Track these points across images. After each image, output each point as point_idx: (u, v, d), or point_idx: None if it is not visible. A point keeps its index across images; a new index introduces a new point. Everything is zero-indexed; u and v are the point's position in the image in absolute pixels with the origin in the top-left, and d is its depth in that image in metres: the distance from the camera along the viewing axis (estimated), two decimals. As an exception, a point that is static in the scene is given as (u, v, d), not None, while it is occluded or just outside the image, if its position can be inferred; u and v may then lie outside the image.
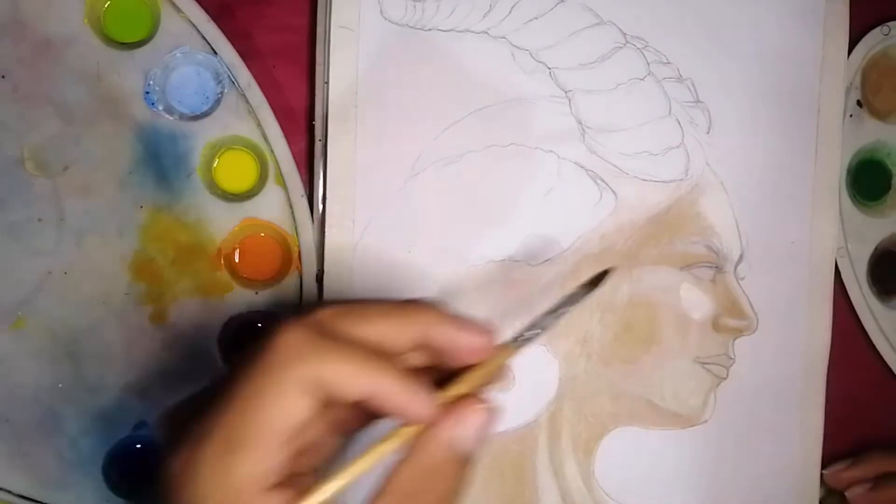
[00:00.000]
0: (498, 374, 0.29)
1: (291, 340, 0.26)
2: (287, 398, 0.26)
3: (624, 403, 0.44)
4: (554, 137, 0.42)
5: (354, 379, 0.26)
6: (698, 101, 0.44)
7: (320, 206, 0.41)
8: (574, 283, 0.37)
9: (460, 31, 0.42)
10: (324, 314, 0.28)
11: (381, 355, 0.27)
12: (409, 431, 0.27)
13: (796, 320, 0.45)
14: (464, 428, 0.27)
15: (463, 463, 0.27)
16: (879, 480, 0.46)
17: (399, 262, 0.41)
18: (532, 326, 0.30)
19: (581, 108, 0.43)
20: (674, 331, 0.44)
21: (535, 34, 0.42)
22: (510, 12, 0.42)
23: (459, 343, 0.28)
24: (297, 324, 0.27)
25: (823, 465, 0.46)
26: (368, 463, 0.27)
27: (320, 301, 0.28)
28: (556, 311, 0.31)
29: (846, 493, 0.46)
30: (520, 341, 0.30)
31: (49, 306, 0.40)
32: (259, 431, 0.25)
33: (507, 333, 0.30)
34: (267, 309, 0.42)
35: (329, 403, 0.26)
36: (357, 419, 0.29)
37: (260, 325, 0.41)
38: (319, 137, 0.41)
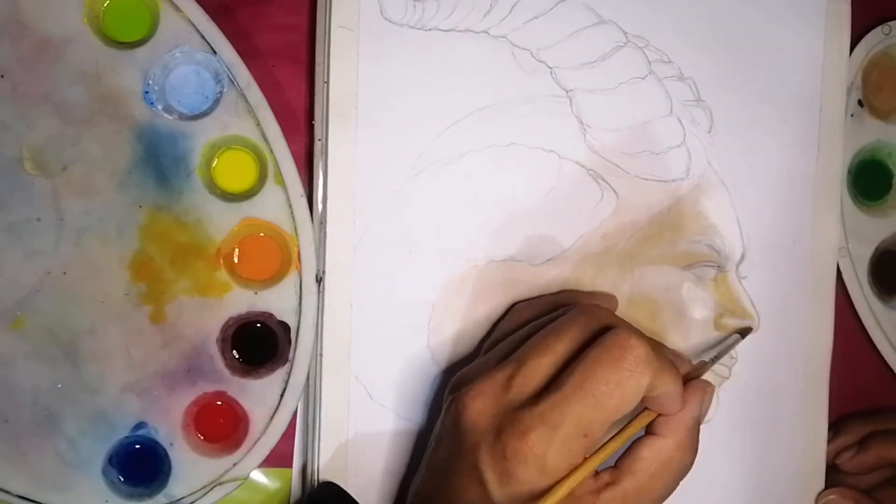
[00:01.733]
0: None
1: (642, 354, 0.33)
2: (631, 400, 0.33)
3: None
4: (555, 137, 0.42)
5: (665, 387, 0.34)
6: (700, 100, 0.44)
7: (320, 206, 0.41)
8: (576, 287, 0.42)
9: (460, 31, 0.42)
10: (635, 328, 0.35)
11: (676, 369, 0.35)
12: (652, 414, 0.35)
13: (798, 319, 0.45)
14: (704, 405, 0.36)
15: (698, 436, 0.36)
16: (864, 441, 0.46)
17: (399, 262, 0.41)
18: (702, 362, 0.40)
19: (582, 107, 0.43)
20: (676, 330, 0.44)
21: (536, 34, 0.42)
22: (510, 12, 0.42)
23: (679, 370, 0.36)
24: (639, 337, 0.34)
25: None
26: (627, 436, 0.35)
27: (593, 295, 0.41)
28: (718, 355, 0.41)
29: (836, 462, 0.46)
30: (710, 364, 0.40)
31: (48, 306, 0.40)
32: (605, 423, 0.34)
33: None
34: (266, 309, 0.41)
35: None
36: None
37: (259, 325, 0.41)
38: (319, 137, 0.41)
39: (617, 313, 0.43)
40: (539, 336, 0.35)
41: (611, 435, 0.35)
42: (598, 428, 0.33)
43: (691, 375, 0.38)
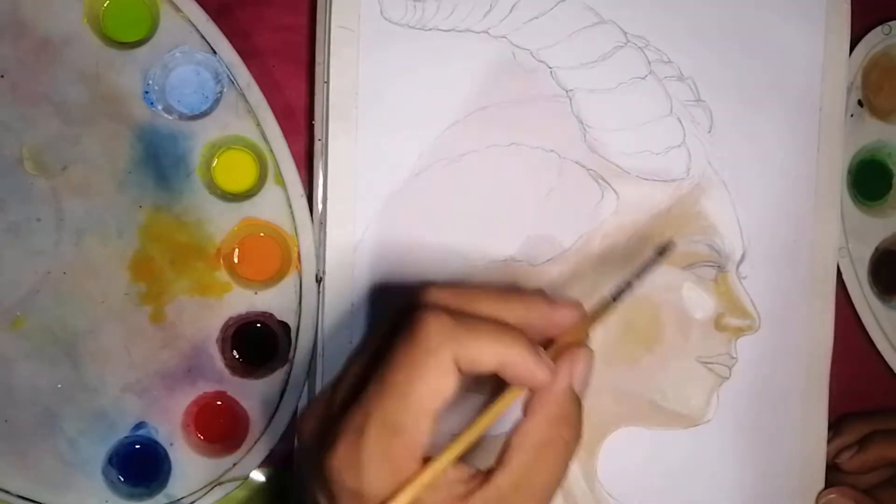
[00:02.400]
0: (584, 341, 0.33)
1: (436, 326, 0.29)
2: (440, 380, 0.28)
3: (626, 403, 0.43)
4: (555, 137, 0.42)
5: (490, 355, 0.29)
6: (700, 100, 0.44)
7: (320, 206, 0.41)
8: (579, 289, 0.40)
9: (461, 31, 0.42)
10: (444, 296, 0.31)
11: (510, 329, 0.30)
12: (517, 391, 0.30)
13: (799, 319, 0.45)
14: (579, 372, 0.31)
15: (580, 406, 0.31)
16: (864, 441, 0.46)
17: (400, 262, 0.41)
18: (615, 294, 0.34)
19: (582, 107, 0.42)
20: (676, 330, 0.44)
21: (536, 33, 0.42)
22: (510, 12, 0.42)
23: (554, 319, 0.32)
24: (433, 309, 0.29)
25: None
26: (488, 421, 0.30)
27: (427, 284, 0.33)
28: (629, 283, 0.35)
29: (836, 462, 0.46)
30: (596, 314, 0.33)
31: (48, 306, 0.40)
32: (417, 414, 0.28)
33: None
34: (266, 309, 0.41)
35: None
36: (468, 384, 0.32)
37: (259, 325, 0.41)
38: (319, 137, 0.41)
39: (618, 314, 0.43)
40: (358, 344, 0.33)
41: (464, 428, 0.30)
42: (412, 423, 0.28)
43: (586, 321, 0.32)
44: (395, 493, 0.28)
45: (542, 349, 0.30)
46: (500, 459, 0.30)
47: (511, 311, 0.31)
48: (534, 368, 0.30)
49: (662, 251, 0.37)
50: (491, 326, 0.30)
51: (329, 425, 0.30)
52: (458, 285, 0.32)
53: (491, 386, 0.32)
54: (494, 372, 0.30)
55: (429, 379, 0.28)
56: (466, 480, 0.30)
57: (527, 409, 0.31)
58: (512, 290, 0.33)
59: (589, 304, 0.33)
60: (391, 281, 0.41)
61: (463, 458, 0.30)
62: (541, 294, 0.32)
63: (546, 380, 0.30)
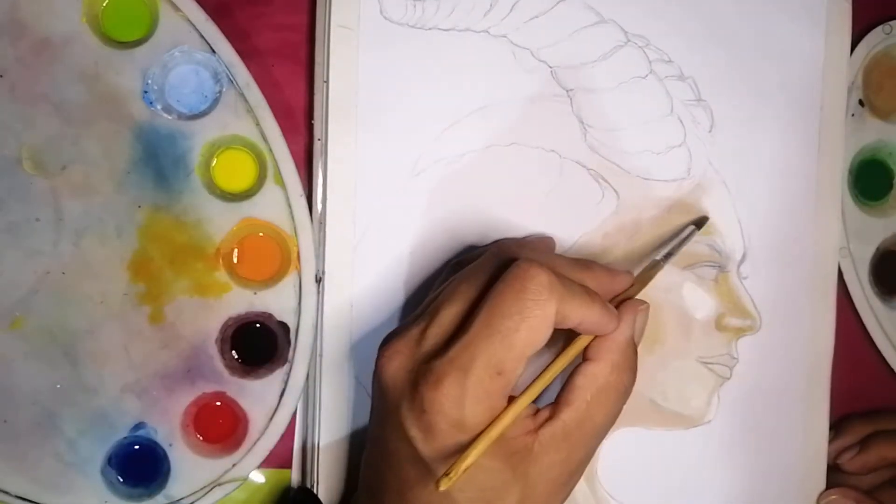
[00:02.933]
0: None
1: (545, 281, 0.32)
2: (541, 331, 0.32)
3: (627, 404, 0.43)
4: (555, 137, 0.42)
5: (580, 312, 0.33)
6: (700, 99, 0.44)
7: (319, 206, 0.41)
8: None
9: (461, 31, 0.42)
10: (541, 257, 0.35)
11: (592, 292, 0.34)
12: (586, 340, 0.34)
13: (800, 319, 0.45)
14: (639, 324, 0.35)
15: (636, 354, 0.35)
16: (865, 442, 0.46)
17: (400, 262, 0.41)
18: (654, 262, 0.39)
19: (582, 107, 0.42)
20: (677, 331, 0.44)
21: (536, 33, 0.42)
22: (511, 11, 0.42)
23: (612, 286, 0.36)
24: (539, 266, 0.32)
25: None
26: (562, 365, 0.33)
27: (520, 240, 0.39)
28: (670, 251, 0.40)
29: (837, 462, 0.46)
30: (644, 278, 0.38)
31: (47, 306, 0.40)
32: (519, 359, 0.32)
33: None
34: (265, 309, 0.41)
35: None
36: None
37: (258, 325, 0.41)
38: (319, 137, 0.41)
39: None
40: (449, 283, 0.35)
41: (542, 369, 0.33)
42: (512, 365, 0.32)
43: (640, 280, 0.37)
44: (491, 425, 0.31)
45: (611, 306, 0.34)
46: (566, 398, 0.33)
47: (584, 277, 0.35)
48: (606, 321, 0.34)
49: (699, 223, 0.42)
50: (582, 290, 0.33)
51: (425, 361, 0.32)
52: (542, 249, 0.38)
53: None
54: (573, 327, 0.33)
55: (534, 328, 0.32)
56: (533, 416, 0.33)
57: (591, 354, 0.34)
58: (580, 260, 0.37)
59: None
60: (391, 281, 0.41)
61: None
62: (600, 265, 0.37)
63: (614, 329, 0.34)
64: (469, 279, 0.34)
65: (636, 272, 0.38)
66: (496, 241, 0.36)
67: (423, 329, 0.33)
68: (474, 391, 0.31)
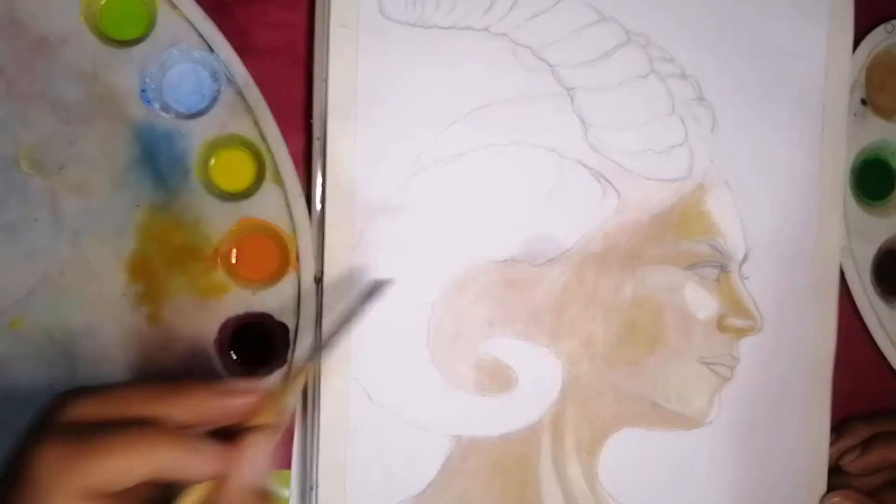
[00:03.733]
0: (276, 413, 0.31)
1: (48, 460, 0.26)
2: None
3: (628, 405, 0.43)
4: (556, 136, 0.42)
5: (135, 466, 0.26)
6: (702, 98, 0.44)
7: (318, 206, 0.41)
8: (580, 289, 0.41)
9: (461, 29, 0.42)
10: (84, 409, 0.28)
11: (148, 433, 0.27)
12: (197, 490, 0.28)
13: (801, 320, 0.45)
14: (254, 460, 0.29)
15: (269, 495, 0.29)
16: (867, 443, 0.45)
17: (400, 262, 0.41)
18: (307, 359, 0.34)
19: (583, 105, 0.42)
20: (678, 331, 0.43)
21: (537, 31, 0.42)
22: (511, 9, 0.42)
23: (229, 408, 0.29)
24: (46, 439, 0.26)
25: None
26: None
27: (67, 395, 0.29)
28: (334, 335, 0.34)
29: (839, 464, 0.46)
30: (280, 390, 0.31)
31: (45, 307, 0.40)
32: None
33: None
34: (264, 309, 0.41)
35: (111, 494, 0.27)
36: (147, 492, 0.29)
37: (257, 325, 0.41)
38: (318, 136, 0.41)
39: (620, 314, 0.43)
40: None
41: None
42: None
43: (275, 396, 0.31)
44: None
45: (206, 439, 0.28)
46: None
47: (174, 409, 0.29)
48: (198, 464, 0.28)
49: (371, 292, 0.37)
50: (123, 438, 0.27)
51: None
52: (106, 391, 0.30)
53: None
54: (156, 481, 0.27)
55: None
56: None
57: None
58: (175, 386, 0.30)
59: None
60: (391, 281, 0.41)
61: None
62: (208, 386, 0.30)
63: (220, 470, 0.28)
64: None
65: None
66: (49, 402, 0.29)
67: None
68: None
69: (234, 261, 0.41)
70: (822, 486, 0.45)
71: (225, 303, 0.41)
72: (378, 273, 0.41)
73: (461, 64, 0.41)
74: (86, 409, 0.28)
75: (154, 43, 0.40)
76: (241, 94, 0.40)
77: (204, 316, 0.41)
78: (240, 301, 0.41)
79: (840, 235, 0.46)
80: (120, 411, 0.28)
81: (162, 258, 0.40)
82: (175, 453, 0.27)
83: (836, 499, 0.45)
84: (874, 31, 0.47)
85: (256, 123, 0.41)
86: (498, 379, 0.42)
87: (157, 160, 0.40)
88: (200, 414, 0.29)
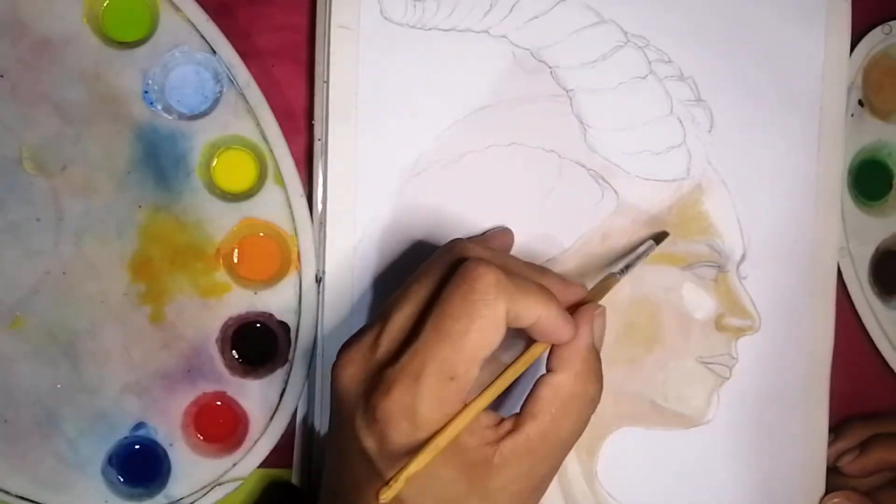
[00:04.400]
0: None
1: (493, 280, 0.31)
2: (491, 332, 0.31)
3: (626, 404, 0.43)
4: (555, 137, 0.42)
5: (534, 311, 0.31)
6: (700, 99, 0.44)
7: (319, 206, 0.41)
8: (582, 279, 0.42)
9: (461, 31, 0.42)
10: (486, 254, 0.34)
11: (547, 291, 0.32)
12: (542, 347, 0.33)
13: (799, 319, 0.45)
14: (598, 329, 0.34)
15: (600, 361, 0.34)
16: (865, 445, 0.45)
17: (399, 262, 0.41)
18: (611, 275, 0.37)
19: (582, 107, 0.42)
20: (676, 331, 0.44)
21: (536, 33, 0.42)
22: (510, 11, 0.42)
23: (566, 295, 0.35)
24: (487, 264, 0.31)
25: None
26: (516, 373, 0.32)
27: (469, 239, 0.36)
28: (628, 264, 0.39)
29: (837, 465, 0.46)
30: (598, 292, 0.36)
31: (47, 306, 0.40)
32: (470, 362, 0.31)
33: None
34: (266, 309, 0.41)
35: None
36: None
37: (258, 325, 0.41)
38: (319, 137, 0.41)
39: (619, 314, 0.43)
40: (402, 287, 0.34)
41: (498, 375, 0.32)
42: (464, 369, 0.30)
43: (594, 293, 0.36)
44: (437, 433, 0.30)
45: (565, 311, 0.33)
46: (530, 410, 0.32)
47: (537, 279, 0.33)
48: (563, 325, 0.32)
49: (659, 238, 0.42)
50: (535, 286, 0.32)
51: (378, 369, 0.32)
52: (492, 248, 0.35)
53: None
54: (528, 327, 0.32)
55: (484, 329, 0.30)
56: (495, 426, 0.32)
57: (553, 364, 0.33)
58: (533, 264, 0.35)
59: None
60: (391, 281, 0.41)
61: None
62: (552, 272, 0.35)
63: (572, 336, 0.33)
64: (420, 281, 0.33)
65: (591, 285, 0.37)
66: (451, 240, 0.35)
67: (377, 335, 0.33)
68: (426, 398, 0.30)
69: (235, 261, 0.41)
70: (821, 486, 0.45)
71: (226, 302, 0.41)
72: (378, 272, 0.41)
73: (461, 65, 0.42)
74: (487, 254, 0.33)
75: (156, 44, 0.40)
76: (242, 96, 0.40)
77: (206, 315, 0.41)
78: (241, 301, 0.41)
79: (838, 235, 0.46)
80: (508, 268, 0.32)
81: (164, 258, 0.41)
82: (557, 311, 0.32)
83: (837, 500, 0.45)
84: (871, 32, 0.47)
85: (258, 124, 0.41)
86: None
87: (159, 161, 0.40)
88: (552, 291, 0.33)
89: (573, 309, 0.34)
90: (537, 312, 0.32)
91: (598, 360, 0.34)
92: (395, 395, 0.30)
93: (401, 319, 0.32)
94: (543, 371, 0.33)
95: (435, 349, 0.30)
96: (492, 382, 0.32)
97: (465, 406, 0.31)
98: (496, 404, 0.33)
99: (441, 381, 0.30)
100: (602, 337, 0.35)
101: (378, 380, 0.31)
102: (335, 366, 0.33)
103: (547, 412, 0.32)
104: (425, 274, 0.33)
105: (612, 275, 0.37)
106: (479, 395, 0.31)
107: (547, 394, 0.32)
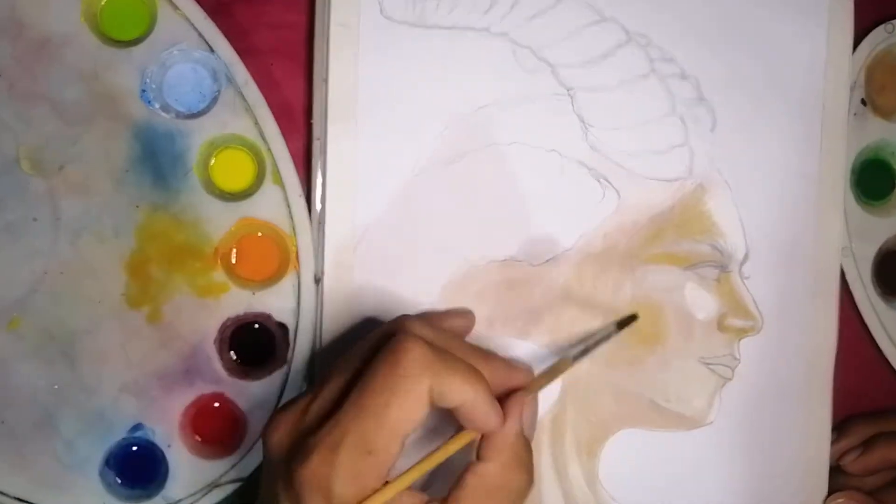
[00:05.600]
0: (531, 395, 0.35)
1: (417, 355, 0.31)
2: (413, 408, 0.30)
3: (628, 405, 0.43)
4: (556, 136, 0.42)
5: (459, 393, 0.31)
6: (702, 98, 0.44)
7: (318, 206, 0.41)
8: (580, 289, 0.42)
9: (461, 29, 0.42)
10: (423, 330, 0.33)
11: (477, 372, 0.32)
12: (470, 436, 0.32)
13: (802, 320, 0.45)
14: (528, 418, 0.33)
15: (530, 451, 0.33)
16: (868, 444, 0.45)
17: (400, 262, 0.41)
18: (564, 359, 0.37)
19: (583, 106, 0.42)
20: (678, 331, 0.43)
21: (537, 32, 0.42)
22: (511, 10, 0.42)
23: (510, 380, 0.35)
24: (416, 340, 0.31)
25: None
26: (440, 458, 0.32)
27: (417, 315, 0.36)
28: (585, 349, 0.39)
29: (840, 464, 0.46)
30: (546, 376, 0.36)
31: (45, 306, 0.40)
32: (390, 437, 0.30)
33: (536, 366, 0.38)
34: (264, 309, 0.41)
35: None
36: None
37: (257, 325, 0.41)
38: (318, 136, 0.41)
39: (620, 314, 0.43)
40: (336, 361, 0.34)
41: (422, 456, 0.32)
42: (384, 444, 0.30)
43: (542, 378, 0.36)
44: None
45: (495, 401, 0.32)
46: (455, 496, 0.32)
47: (478, 365, 0.33)
48: (489, 413, 0.32)
49: (623, 324, 0.41)
50: (465, 368, 0.32)
51: (302, 437, 0.31)
52: (435, 323, 0.35)
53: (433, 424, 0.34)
54: (453, 408, 0.32)
55: (405, 405, 0.30)
56: None
57: (481, 451, 0.33)
58: (476, 346, 0.35)
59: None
60: (391, 281, 0.41)
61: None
62: (500, 357, 0.35)
63: (498, 425, 0.32)
64: (355, 352, 0.34)
65: (542, 368, 0.37)
66: (400, 315, 0.35)
67: (309, 402, 0.33)
68: (342, 471, 0.30)
69: (233, 261, 0.41)
70: (823, 486, 0.45)
71: (225, 302, 0.41)
72: (378, 272, 0.41)
73: (461, 64, 0.41)
74: (423, 331, 0.33)
75: (154, 43, 0.40)
76: (241, 94, 0.40)
77: (204, 316, 0.41)
78: (239, 301, 0.41)
79: (840, 235, 0.46)
80: (445, 346, 0.33)
81: (162, 258, 0.40)
82: (485, 396, 0.32)
83: (840, 500, 0.45)
84: (874, 31, 0.47)
85: (256, 123, 0.41)
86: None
87: (157, 160, 0.40)
88: (495, 376, 0.33)
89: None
90: (463, 395, 0.31)
91: (528, 450, 0.33)
92: (313, 464, 0.30)
93: (331, 390, 0.33)
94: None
95: (354, 421, 0.30)
96: (416, 464, 0.31)
97: (385, 484, 0.30)
98: (428, 481, 0.33)
99: (358, 455, 0.30)
100: (533, 426, 0.35)
101: (300, 447, 0.31)
102: (266, 427, 0.34)
103: (471, 500, 0.32)
104: (361, 346, 0.34)
105: (565, 359, 0.37)
106: (401, 475, 0.31)
107: (472, 482, 0.32)
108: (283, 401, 0.41)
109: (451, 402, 0.31)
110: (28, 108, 0.39)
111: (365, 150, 0.41)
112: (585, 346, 0.39)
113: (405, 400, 0.30)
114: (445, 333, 0.35)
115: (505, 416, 0.32)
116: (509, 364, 0.35)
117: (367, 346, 0.33)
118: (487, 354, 0.35)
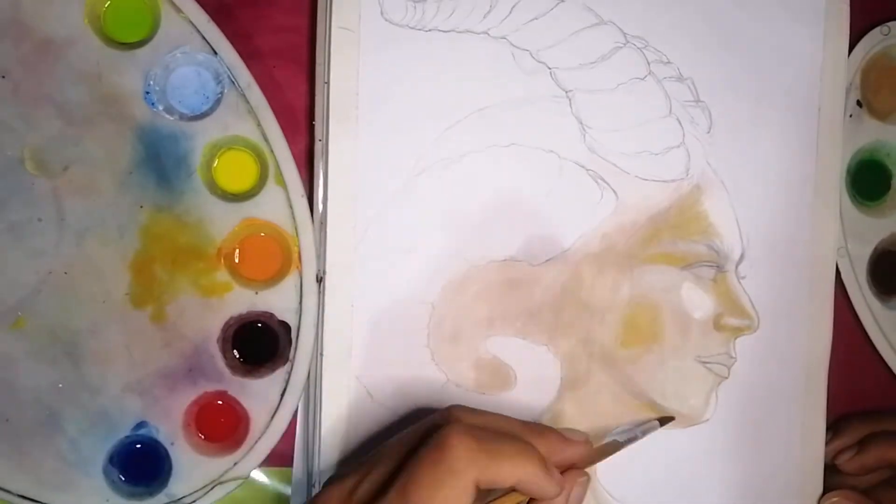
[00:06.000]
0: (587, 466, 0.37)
1: (462, 449, 0.31)
2: (460, 499, 0.31)
3: (626, 403, 0.44)
4: (554, 137, 0.42)
5: (510, 476, 0.32)
6: (699, 100, 0.44)
7: (320, 206, 0.41)
8: (579, 289, 0.42)
9: (460, 32, 0.42)
10: (470, 416, 0.34)
11: (527, 450, 0.33)
12: (517, 499, 0.34)
13: (798, 319, 0.45)
14: (575, 496, 0.35)
15: None
16: (863, 442, 0.46)
17: (399, 262, 0.41)
18: (615, 442, 0.40)
19: (581, 107, 0.43)
20: (675, 330, 0.44)
21: (536, 34, 0.42)
22: (510, 13, 0.42)
23: (565, 455, 0.36)
24: (461, 434, 0.32)
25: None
26: None
27: (455, 406, 0.36)
28: (633, 437, 0.41)
29: (835, 463, 0.46)
30: (602, 453, 0.39)
31: (49, 306, 0.40)
32: None
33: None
34: (267, 309, 0.41)
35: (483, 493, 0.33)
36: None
37: (260, 324, 0.41)
38: (320, 137, 0.41)
39: (618, 313, 0.43)
40: (389, 441, 0.35)
41: None
42: None
43: (594, 454, 0.37)
44: None
45: (553, 467, 0.34)
46: None
47: (534, 442, 0.34)
48: (546, 486, 0.33)
49: (663, 421, 0.43)
50: (513, 448, 0.33)
51: None
52: (484, 412, 0.36)
53: None
54: (512, 487, 0.33)
55: (449, 500, 0.31)
56: None
57: None
58: (531, 423, 0.36)
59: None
60: (391, 281, 0.41)
61: None
62: (555, 430, 0.36)
63: (556, 495, 0.34)
64: (403, 440, 0.34)
65: (596, 444, 0.39)
66: (452, 405, 0.36)
67: (357, 482, 0.33)
68: None
69: (236, 260, 0.41)
70: (818, 484, 0.45)
71: (227, 302, 0.41)
72: (378, 272, 0.41)
73: (461, 67, 0.42)
74: (470, 417, 0.34)
75: (158, 45, 0.40)
76: (243, 96, 0.40)
77: (207, 315, 0.41)
78: (242, 300, 0.41)
79: (836, 236, 0.46)
80: (502, 426, 0.34)
81: (165, 258, 0.41)
82: (540, 472, 0.33)
83: (835, 499, 0.45)
84: (870, 33, 0.47)
85: (259, 125, 0.41)
86: (497, 377, 0.42)
87: (160, 161, 0.41)
88: (551, 450, 0.35)
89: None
90: (515, 475, 0.32)
91: None
92: None
93: (381, 471, 0.33)
94: None
95: None
96: None
97: None
98: None
99: None
100: (580, 500, 0.36)
101: None
102: (315, 498, 0.34)
103: None
104: (409, 434, 0.34)
105: (617, 443, 0.40)
106: None
107: None
108: (285, 400, 0.41)
109: (504, 485, 0.32)
110: (32, 109, 0.40)
111: (366, 151, 0.41)
112: (633, 434, 0.41)
113: (449, 494, 0.31)
114: (492, 416, 0.35)
115: (562, 486, 0.34)
116: (565, 439, 0.36)
117: (418, 433, 0.34)
118: (542, 430, 0.36)
